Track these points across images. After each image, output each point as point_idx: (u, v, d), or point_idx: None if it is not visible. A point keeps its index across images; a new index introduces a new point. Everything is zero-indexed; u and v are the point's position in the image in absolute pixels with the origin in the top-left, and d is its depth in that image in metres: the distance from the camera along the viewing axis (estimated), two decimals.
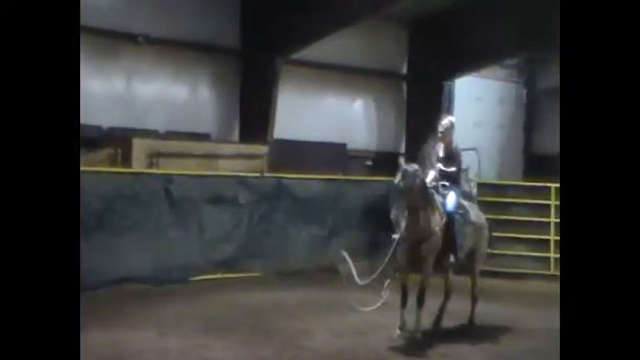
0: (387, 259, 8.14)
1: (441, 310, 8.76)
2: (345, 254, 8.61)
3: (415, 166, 8.04)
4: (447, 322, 8.85)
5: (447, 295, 8.86)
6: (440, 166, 8.65)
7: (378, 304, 9.29)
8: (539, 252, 13.58)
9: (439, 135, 8.72)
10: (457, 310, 9.02)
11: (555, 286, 12.24)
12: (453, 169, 8.67)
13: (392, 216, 8.01)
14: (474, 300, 9.00)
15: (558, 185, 13.61)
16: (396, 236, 8.07)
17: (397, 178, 7.86)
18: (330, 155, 15.70)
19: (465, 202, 8.96)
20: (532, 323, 9.26)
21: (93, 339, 7.13)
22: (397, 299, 8.20)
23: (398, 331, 8.08)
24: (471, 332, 8.68)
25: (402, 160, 8.15)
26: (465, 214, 8.57)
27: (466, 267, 8.99)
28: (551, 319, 9.37)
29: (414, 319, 8.11)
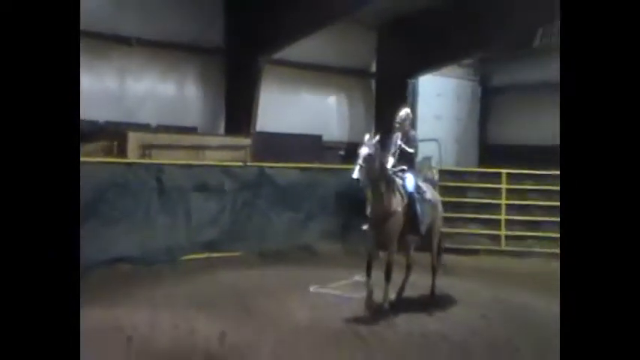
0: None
1: (404, 282, 8.76)
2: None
3: (376, 139, 7.86)
4: (413, 293, 8.83)
5: (408, 269, 8.84)
6: (401, 144, 8.56)
7: (349, 281, 9.30)
8: (492, 230, 13.69)
9: (397, 125, 8.65)
10: (421, 284, 9.01)
11: (505, 260, 12.50)
12: (411, 150, 8.63)
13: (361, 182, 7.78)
14: (434, 272, 8.96)
15: (508, 171, 13.78)
16: (365, 227, 8.11)
17: (361, 150, 7.67)
18: (307, 146, 15.65)
19: (421, 183, 8.95)
20: (485, 295, 9.26)
21: (90, 315, 7.01)
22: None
23: (366, 300, 8.05)
24: (431, 302, 8.66)
25: (366, 136, 7.99)
26: (422, 193, 8.58)
27: (426, 243, 8.95)
28: (502, 291, 9.50)
29: (382, 292, 8.08)
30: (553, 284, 10.76)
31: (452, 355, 6.66)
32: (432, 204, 8.78)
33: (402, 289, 8.72)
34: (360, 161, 7.56)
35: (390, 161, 8.45)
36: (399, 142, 8.59)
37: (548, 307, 8.73)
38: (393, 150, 8.59)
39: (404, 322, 7.76)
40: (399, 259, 8.52)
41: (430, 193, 8.93)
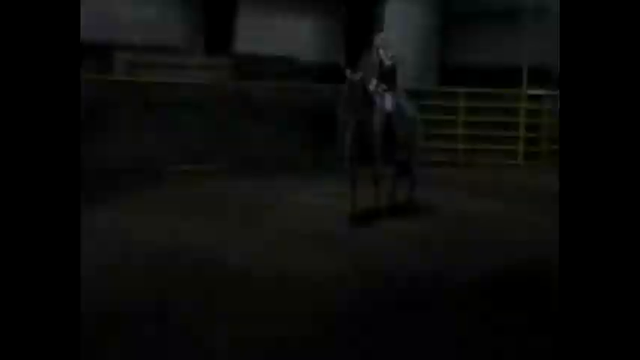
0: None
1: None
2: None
3: (359, 75, 7.66)
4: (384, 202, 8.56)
5: (412, 184, 8.76)
6: (383, 60, 8.24)
7: (322, 189, 9.23)
8: (450, 145, 13.69)
9: (375, 50, 8.30)
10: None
11: (461, 171, 12.60)
12: (390, 63, 8.29)
13: (340, 116, 7.70)
14: (413, 185, 8.78)
15: (465, 90, 13.72)
16: (348, 143, 7.78)
17: (345, 87, 7.51)
18: (283, 67, 15.36)
19: (403, 101, 8.62)
20: (444, 200, 9.29)
21: (86, 218, 6.91)
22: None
23: (349, 209, 7.86)
24: (404, 211, 8.45)
25: (347, 72, 7.79)
26: (402, 111, 8.33)
27: (405, 157, 8.68)
28: (458, 196, 9.60)
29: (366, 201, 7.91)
30: (502, 190, 10.92)
31: (414, 246, 6.81)
32: (410, 120, 8.49)
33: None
34: (344, 105, 7.50)
35: (373, 82, 8.11)
36: (380, 58, 8.26)
37: (496, 208, 8.91)
38: (374, 71, 8.22)
39: (377, 224, 7.67)
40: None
41: (411, 110, 8.62)
